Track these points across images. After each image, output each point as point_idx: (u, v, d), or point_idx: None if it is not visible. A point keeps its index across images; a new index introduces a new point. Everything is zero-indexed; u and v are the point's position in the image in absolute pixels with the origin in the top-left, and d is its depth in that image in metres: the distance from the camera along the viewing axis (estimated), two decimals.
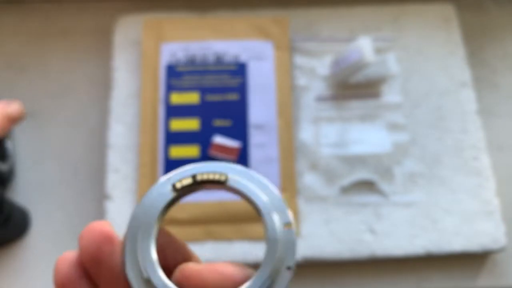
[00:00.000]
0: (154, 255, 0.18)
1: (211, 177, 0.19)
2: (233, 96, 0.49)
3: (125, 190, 0.47)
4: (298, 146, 0.48)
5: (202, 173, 0.19)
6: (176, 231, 0.21)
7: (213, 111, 0.48)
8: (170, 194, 0.19)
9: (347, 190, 0.47)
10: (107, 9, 0.55)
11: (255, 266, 0.18)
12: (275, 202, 0.19)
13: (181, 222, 0.45)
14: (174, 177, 0.20)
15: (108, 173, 0.47)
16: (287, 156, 0.47)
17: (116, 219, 0.45)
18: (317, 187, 0.47)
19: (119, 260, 0.18)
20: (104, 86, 0.51)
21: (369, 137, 0.48)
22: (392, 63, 0.51)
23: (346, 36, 0.52)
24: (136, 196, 0.46)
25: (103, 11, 0.55)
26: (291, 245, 0.18)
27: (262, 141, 0.48)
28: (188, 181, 0.19)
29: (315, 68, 0.51)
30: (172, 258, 0.19)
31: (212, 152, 0.47)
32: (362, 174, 0.47)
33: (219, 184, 0.19)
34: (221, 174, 0.19)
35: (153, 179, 0.46)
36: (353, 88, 0.50)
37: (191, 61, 0.50)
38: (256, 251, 0.44)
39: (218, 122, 0.48)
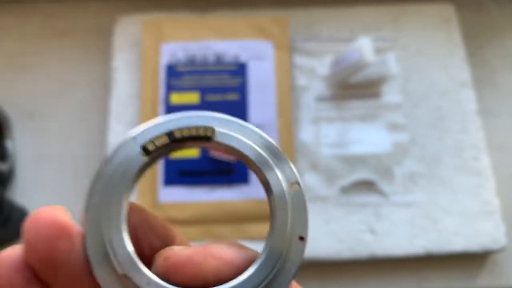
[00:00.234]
0: (128, 242, 0.14)
1: (193, 132, 0.15)
2: (233, 96, 0.49)
3: None
4: (298, 146, 0.48)
5: (181, 129, 0.15)
6: None
7: (213, 111, 0.48)
8: (140, 160, 0.15)
9: (347, 190, 0.47)
10: (107, 9, 0.55)
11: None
12: (277, 159, 0.15)
13: (180, 222, 0.45)
14: (143, 135, 0.15)
15: None
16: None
17: None
18: (317, 187, 0.47)
19: (81, 258, 0.14)
20: (104, 86, 0.51)
21: (369, 137, 0.48)
22: (392, 63, 0.51)
23: (346, 36, 0.52)
24: (136, 196, 0.46)
25: (103, 11, 0.55)
26: (301, 209, 0.15)
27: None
28: (163, 140, 0.15)
29: (315, 68, 0.51)
30: (148, 242, 0.15)
31: (213, 152, 0.47)
32: (362, 174, 0.47)
33: (204, 141, 0.15)
34: (206, 128, 0.15)
35: (153, 179, 0.46)
36: (353, 88, 0.50)
37: (191, 61, 0.50)
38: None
39: None
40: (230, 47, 0.51)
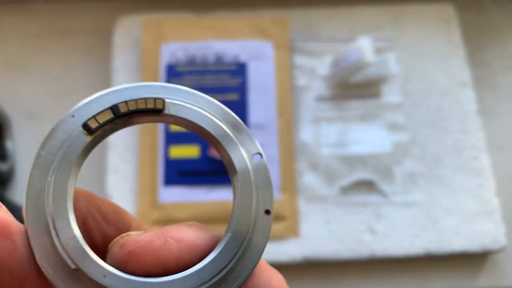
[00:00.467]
0: (77, 232, 0.13)
1: (141, 105, 0.13)
2: (233, 96, 0.49)
3: (126, 190, 0.47)
4: (298, 146, 0.48)
5: (126, 102, 0.13)
6: None
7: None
8: (82, 140, 0.13)
9: (347, 190, 0.47)
10: (107, 9, 0.55)
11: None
12: (237, 130, 0.14)
13: (180, 222, 0.45)
14: (83, 111, 0.13)
15: (108, 173, 0.47)
16: (287, 156, 0.47)
17: None
18: (317, 187, 0.47)
19: (25, 257, 0.12)
20: (104, 86, 0.51)
21: (369, 137, 0.48)
22: (392, 63, 0.51)
23: (346, 36, 0.52)
24: (136, 195, 0.46)
25: (103, 11, 0.55)
26: (265, 181, 0.14)
27: (262, 141, 0.48)
28: (106, 116, 0.13)
29: (315, 68, 0.51)
30: (100, 230, 0.14)
31: (213, 152, 0.47)
32: (362, 174, 0.47)
33: (155, 114, 0.14)
34: (155, 99, 0.13)
35: (153, 179, 0.46)
36: (353, 88, 0.50)
37: (191, 61, 0.50)
38: None
39: None
40: (230, 47, 0.51)
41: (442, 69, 0.51)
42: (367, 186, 0.47)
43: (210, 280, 0.13)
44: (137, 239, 0.13)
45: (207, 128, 0.14)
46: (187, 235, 0.13)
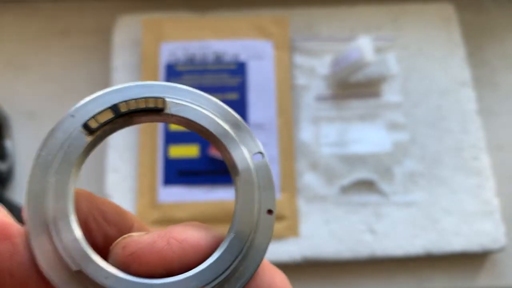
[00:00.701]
0: (79, 234, 0.12)
1: (141, 105, 0.13)
2: (232, 96, 0.49)
3: (125, 189, 0.47)
4: (298, 146, 0.48)
5: (127, 101, 0.13)
6: None
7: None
8: (83, 140, 0.13)
9: (347, 190, 0.47)
10: (107, 9, 0.55)
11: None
12: (238, 129, 0.14)
13: (180, 222, 0.45)
14: (82, 111, 0.13)
15: (108, 173, 0.47)
16: (287, 155, 0.47)
17: None
18: (317, 186, 0.47)
19: (26, 260, 0.12)
20: (104, 86, 0.51)
21: (369, 137, 0.48)
22: (392, 63, 0.51)
23: (346, 36, 0.52)
24: (135, 195, 0.46)
25: (103, 11, 0.55)
26: (267, 181, 0.14)
27: (262, 140, 0.48)
28: (107, 115, 0.13)
29: (315, 68, 0.51)
30: (101, 231, 0.14)
31: (212, 151, 0.47)
32: (362, 174, 0.47)
33: (155, 114, 0.13)
34: (156, 99, 0.13)
35: (153, 179, 0.46)
36: (353, 87, 0.50)
37: (191, 61, 0.50)
38: None
39: None
40: (230, 47, 0.51)
41: (442, 69, 0.51)
42: (367, 186, 0.47)
43: (213, 280, 0.13)
44: (139, 240, 0.13)
45: (208, 127, 0.14)
46: (190, 236, 0.13)
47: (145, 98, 0.13)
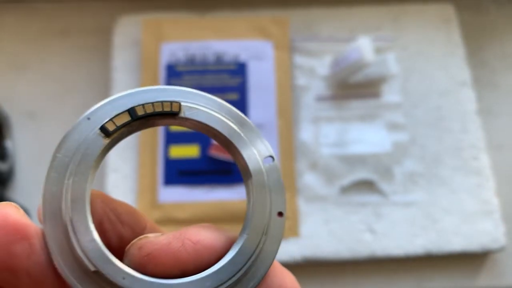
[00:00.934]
0: (95, 235, 0.13)
1: (158, 108, 0.14)
2: (232, 96, 0.49)
3: (126, 189, 0.47)
4: (298, 146, 0.48)
5: (143, 105, 0.14)
6: None
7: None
8: (100, 142, 0.13)
9: (347, 190, 0.47)
10: (107, 9, 0.55)
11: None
12: (250, 133, 0.14)
13: (181, 222, 0.45)
14: (99, 113, 0.13)
15: (108, 173, 0.47)
16: (287, 156, 0.47)
17: None
18: (317, 187, 0.47)
19: (43, 260, 0.12)
20: (104, 86, 0.51)
21: (369, 137, 0.48)
22: (392, 63, 0.51)
23: (346, 36, 0.52)
24: (135, 195, 0.46)
25: (103, 11, 0.55)
26: (277, 184, 0.14)
27: None
28: (124, 118, 0.13)
29: (315, 68, 0.51)
30: (116, 232, 0.14)
31: (212, 151, 0.47)
32: (362, 174, 0.47)
33: (170, 117, 0.14)
34: (171, 102, 0.14)
35: (153, 179, 0.46)
36: (353, 88, 0.50)
37: (191, 61, 0.50)
38: None
39: None
40: (230, 47, 0.51)
41: (442, 69, 0.51)
42: (367, 186, 0.47)
43: (227, 281, 0.13)
44: (155, 241, 0.13)
45: (222, 131, 0.14)
46: (204, 237, 0.13)
47: (161, 102, 0.14)
